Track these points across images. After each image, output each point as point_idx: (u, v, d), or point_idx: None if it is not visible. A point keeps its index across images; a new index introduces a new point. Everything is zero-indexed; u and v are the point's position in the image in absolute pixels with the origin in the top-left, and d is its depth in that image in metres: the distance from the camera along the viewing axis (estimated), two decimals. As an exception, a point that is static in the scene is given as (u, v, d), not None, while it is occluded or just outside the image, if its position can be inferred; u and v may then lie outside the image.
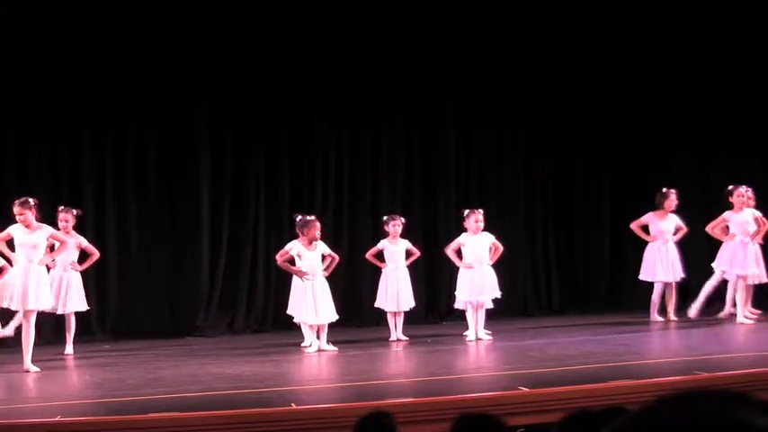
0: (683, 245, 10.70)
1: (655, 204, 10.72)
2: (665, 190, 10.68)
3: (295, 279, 9.50)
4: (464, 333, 9.74)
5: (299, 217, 9.58)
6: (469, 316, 9.73)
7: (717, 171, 12.30)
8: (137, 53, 10.79)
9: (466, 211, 9.93)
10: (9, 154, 10.66)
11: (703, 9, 11.58)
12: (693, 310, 10.36)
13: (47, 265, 9.17)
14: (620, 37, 11.88)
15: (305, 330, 9.49)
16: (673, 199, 10.62)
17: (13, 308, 8.25)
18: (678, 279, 10.64)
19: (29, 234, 8.29)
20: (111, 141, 11.00)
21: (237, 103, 11.30)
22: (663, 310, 10.73)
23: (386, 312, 10.07)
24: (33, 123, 10.71)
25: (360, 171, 11.81)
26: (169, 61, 10.92)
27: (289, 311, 9.67)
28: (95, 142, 10.94)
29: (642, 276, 10.76)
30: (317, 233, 9.36)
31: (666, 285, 10.68)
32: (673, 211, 10.66)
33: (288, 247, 9.45)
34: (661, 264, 10.59)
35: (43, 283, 8.35)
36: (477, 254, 9.75)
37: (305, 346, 9.36)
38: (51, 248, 8.84)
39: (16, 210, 8.30)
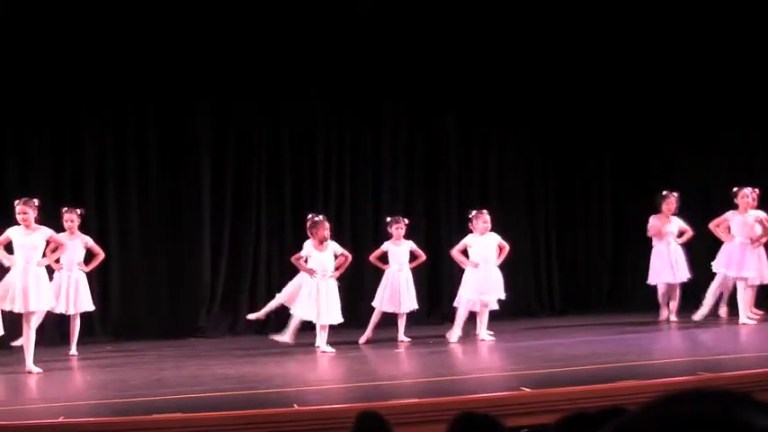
0: (684, 244, 10.69)
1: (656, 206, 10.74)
2: (664, 193, 10.69)
3: (303, 276, 9.49)
4: (447, 333, 9.75)
5: (309, 216, 9.63)
6: (460, 316, 9.73)
7: (718, 171, 12.29)
8: (138, 53, 10.80)
9: (473, 212, 9.94)
10: (10, 155, 10.66)
11: (702, 10, 11.57)
12: (699, 315, 10.23)
13: (53, 268, 9.22)
14: (621, 37, 11.88)
15: (292, 323, 9.53)
16: (671, 202, 10.61)
17: (15, 310, 8.22)
18: (683, 280, 10.63)
19: (28, 235, 8.29)
20: (112, 141, 11.01)
21: (239, 103, 11.30)
22: (651, 311, 10.76)
23: (384, 312, 10.04)
24: (34, 124, 10.71)
25: (361, 171, 11.81)
26: (170, 61, 10.93)
27: (285, 303, 9.68)
28: (96, 142, 10.95)
29: (651, 281, 10.77)
30: (326, 233, 9.38)
31: (670, 286, 10.68)
32: (674, 214, 10.66)
33: (303, 246, 9.48)
34: (665, 266, 10.60)
35: (43, 284, 8.34)
36: (484, 254, 9.76)
37: (275, 336, 9.52)
38: (53, 251, 8.83)
39: (19, 208, 8.29)
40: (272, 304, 9.85)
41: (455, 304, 9.95)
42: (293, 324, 9.58)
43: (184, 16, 10.86)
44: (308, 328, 9.59)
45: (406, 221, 10.14)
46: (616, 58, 12.03)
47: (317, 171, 11.63)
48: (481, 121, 12.16)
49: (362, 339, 9.88)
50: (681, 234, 10.68)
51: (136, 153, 11.08)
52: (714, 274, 10.26)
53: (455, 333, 9.66)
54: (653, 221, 10.69)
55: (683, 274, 10.60)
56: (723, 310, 10.47)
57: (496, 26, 11.74)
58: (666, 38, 11.88)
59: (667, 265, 10.60)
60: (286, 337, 9.56)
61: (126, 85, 10.85)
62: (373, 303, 10.12)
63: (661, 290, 10.75)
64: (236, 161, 11.35)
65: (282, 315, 10.55)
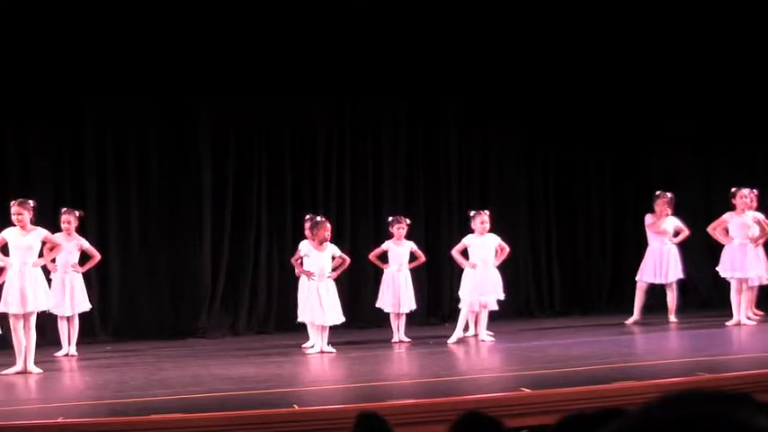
0: (682, 244, 10.69)
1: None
2: (657, 192, 10.69)
3: (302, 279, 9.50)
4: (451, 338, 9.72)
5: (308, 216, 9.61)
6: (462, 317, 9.71)
7: (718, 170, 12.30)
8: (138, 53, 10.79)
9: (472, 213, 9.93)
10: (10, 154, 10.66)
11: (703, 10, 11.57)
12: (731, 323, 10.03)
13: (49, 268, 9.21)
14: (621, 36, 11.86)
15: (310, 331, 9.48)
16: (664, 202, 10.58)
17: (12, 312, 8.22)
18: (672, 280, 10.61)
19: (23, 236, 8.29)
20: (113, 141, 11.00)
21: (239, 103, 11.29)
22: (650, 311, 10.74)
23: (389, 313, 10.08)
24: (34, 124, 10.71)
25: (361, 171, 11.81)
26: (170, 61, 10.92)
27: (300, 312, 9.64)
28: (97, 142, 10.94)
29: (637, 276, 10.76)
30: (327, 234, 9.37)
31: (667, 287, 10.68)
32: (669, 214, 10.64)
33: (299, 247, 9.47)
34: (653, 266, 10.60)
35: (40, 284, 8.34)
36: (482, 255, 9.74)
37: (306, 347, 9.37)
38: (49, 251, 8.83)
39: (14, 209, 8.29)
40: (310, 326, 9.55)
41: (460, 306, 9.93)
42: (311, 331, 9.49)
43: (185, 17, 10.85)
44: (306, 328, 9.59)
45: (408, 221, 10.14)
46: (616, 58, 12.01)
47: (318, 171, 11.62)
48: (481, 121, 12.15)
49: (394, 339, 9.87)
50: (677, 234, 10.68)
51: (136, 153, 11.07)
52: (717, 276, 10.27)
53: (455, 334, 9.65)
54: (649, 219, 10.69)
55: (672, 274, 10.57)
56: (751, 313, 10.33)
57: (497, 26, 11.72)
58: (667, 37, 11.88)
59: (657, 264, 10.59)
60: (317, 346, 9.27)
61: (126, 85, 10.84)
62: (378, 305, 10.12)
63: (640, 288, 10.72)
64: (236, 161, 11.34)
65: (284, 315, 10.58)
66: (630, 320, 10.67)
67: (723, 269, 10.15)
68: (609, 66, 12.07)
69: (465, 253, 9.86)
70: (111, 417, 5.89)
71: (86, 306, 9.66)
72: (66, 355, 9.44)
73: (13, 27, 10.33)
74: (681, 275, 10.61)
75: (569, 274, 12.51)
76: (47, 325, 9.53)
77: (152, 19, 10.73)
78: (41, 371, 8.25)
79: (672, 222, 10.65)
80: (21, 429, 5.69)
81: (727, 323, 9.99)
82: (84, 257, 9.68)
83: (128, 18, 10.65)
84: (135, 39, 10.72)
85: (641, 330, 10.31)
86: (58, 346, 9.53)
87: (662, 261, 10.58)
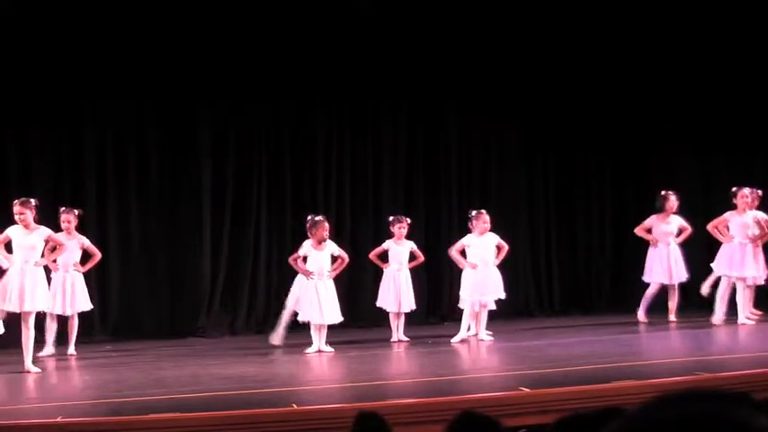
0: (683, 245, 10.70)
1: (656, 207, 10.75)
2: (664, 193, 10.70)
3: (299, 278, 9.50)
4: (454, 337, 9.70)
5: (309, 217, 9.62)
6: (465, 317, 9.70)
7: (718, 170, 12.30)
8: (138, 53, 10.80)
9: (473, 212, 9.93)
10: (10, 154, 10.66)
11: (703, 11, 11.57)
12: (717, 319, 10.06)
13: (50, 268, 9.21)
14: (621, 36, 11.88)
15: (313, 332, 9.46)
16: (673, 201, 10.64)
17: (10, 310, 8.22)
18: (681, 280, 10.64)
19: (27, 235, 8.30)
20: (113, 141, 11.01)
21: (239, 103, 11.29)
22: (651, 311, 10.74)
23: (388, 313, 10.08)
24: (34, 124, 10.71)
25: (361, 171, 11.82)
26: (170, 61, 10.92)
27: (296, 309, 9.64)
28: (97, 142, 10.95)
29: (645, 278, 10.76)
30: (326, 233, 9.38)
31: (669, 287, 10.69)
32: (674, 213, 10.68)
33: (302, 245, 9.48)
34: (660, 265, 10.60)
35: (40, 284, 8.34)
36: (482, 255, 9.74)
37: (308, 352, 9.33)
38: (51, 250, 8.84)
39: (17, 209, 8.30)
40: (285, 318, 9.61)
41: (460, 305, 9.92)
42: (283, 324, 9.55)
43: (185, 17, 10.85)
44: (305, 327, 9.57)
45: (409, 221, 10.15)
46: (616, 58, 12.03)
47: (318, 171, 11.63)
48: (481, 121, 12.16)
49: (393, 338, 9.90)
50: (679, 233, 10.69)
51: (136, 153, 11.07)
52: (711, 273, 10.29)
53: (459, 335, 9.63)
54: (651, 221, 10.69)
55: (679, 274, 10.60)
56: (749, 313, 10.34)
57: (497, 26, 11.73)
58: (667, 38, 11.89)
59: (664, 265, 10.59)
60: (276, 339, 9.48)
61: (126, 85, 10.85)
62: (378, 304, 10.12)
63: (652, 289, 10.72)
64: (236, 161, 11.35)
65: (279, 314, 10.55)
66: (641, 318, 10.66)
67: (718, 266, 10.16)
68: (609, 66, 12.08)
69: (464, 253, 9.86)
70: (110, 416, 5.88)
71: (87, 306, 9.67)
72: (51, 355, 9.37)
73: (13, 27, 10.33)
74: (687, 276, 10.62)
75: (569, 274, 12.53)
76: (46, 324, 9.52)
77: (152, 19, 10.73)
78: (40, 370, 8.25)
79: (676, 222, 10.68)
80: (20, 429, 5.69)
81: (712, 320, 10.03)
82: (85, 256, 9.68)
83: (127, 18, 10.65)
84: (135, 39, 10.73)
85: (641, 330, 10.31)
86: (59, 345, 9.52)
87: (669, 261, 10.59)
